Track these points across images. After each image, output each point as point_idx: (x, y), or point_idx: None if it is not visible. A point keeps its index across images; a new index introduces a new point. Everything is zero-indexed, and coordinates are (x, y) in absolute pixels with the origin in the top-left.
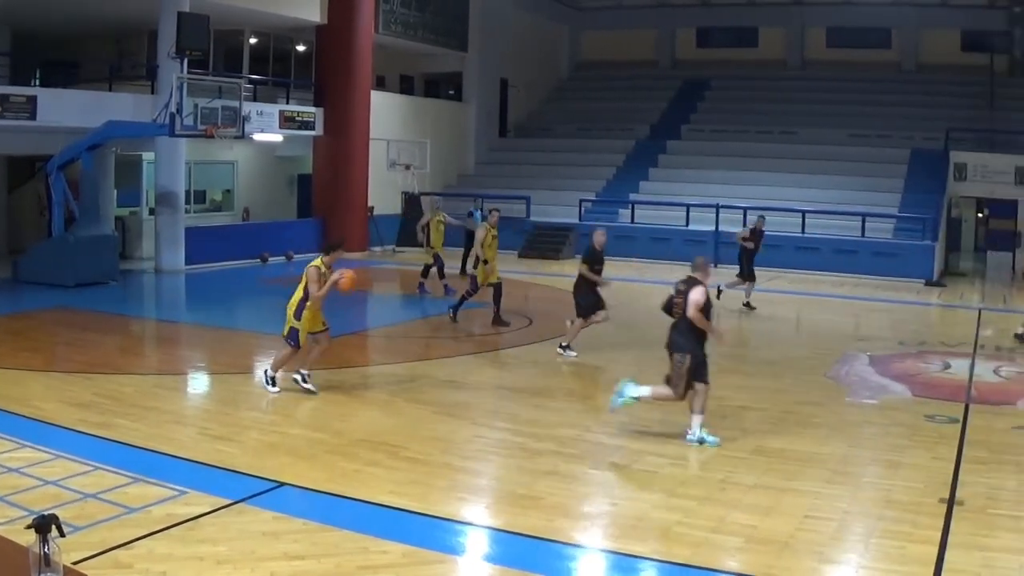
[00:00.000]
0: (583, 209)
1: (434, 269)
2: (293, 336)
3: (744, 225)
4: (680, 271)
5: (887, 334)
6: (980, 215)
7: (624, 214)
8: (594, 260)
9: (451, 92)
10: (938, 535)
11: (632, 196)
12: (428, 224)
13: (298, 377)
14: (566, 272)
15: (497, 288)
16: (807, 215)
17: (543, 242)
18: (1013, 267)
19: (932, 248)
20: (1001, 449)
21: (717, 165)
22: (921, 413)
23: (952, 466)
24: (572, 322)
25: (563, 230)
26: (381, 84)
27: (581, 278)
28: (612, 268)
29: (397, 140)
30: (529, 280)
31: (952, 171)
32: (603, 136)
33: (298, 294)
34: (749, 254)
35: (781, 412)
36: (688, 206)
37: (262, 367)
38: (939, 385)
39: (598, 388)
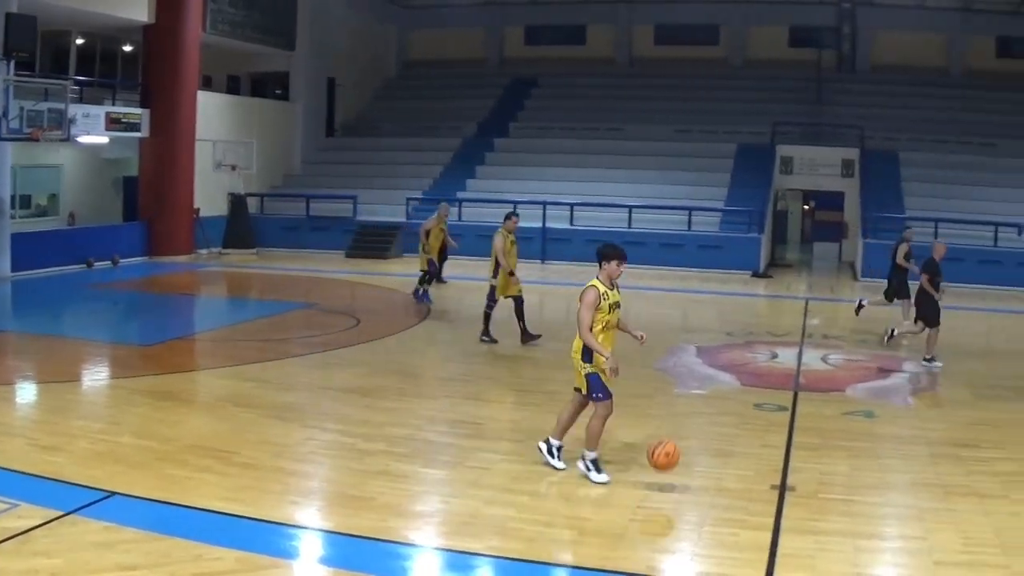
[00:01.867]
0: (410, 208)
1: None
2: (596, 385)
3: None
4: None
5: (714, 325)
6: (806, 207)
7: (451, 212)
8: (935, 272)
9: (278, 92)
10: (771, 521)
11: (460, 194)
12: (431, 230)
13: (543, 447)
14: (393, 271)
15: (519, 301)
16: (634, 210)
17: (370, 242)
18: (839, 257)
19: (758, 240)
20: (831, 435)
21: (544, 162)
22: (750, 402)
23: (782, 453)
24: (928, 334)
25: (390, 229)
26: (208, 84)
27: (923, 289)
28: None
29: (223, 141)
30: (357, 280)
31: (778, 164)
32: (431, 135)
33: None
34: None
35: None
36: (515, 203)
37: (94, 375)
38: (767, 374)
39: (428, 387)
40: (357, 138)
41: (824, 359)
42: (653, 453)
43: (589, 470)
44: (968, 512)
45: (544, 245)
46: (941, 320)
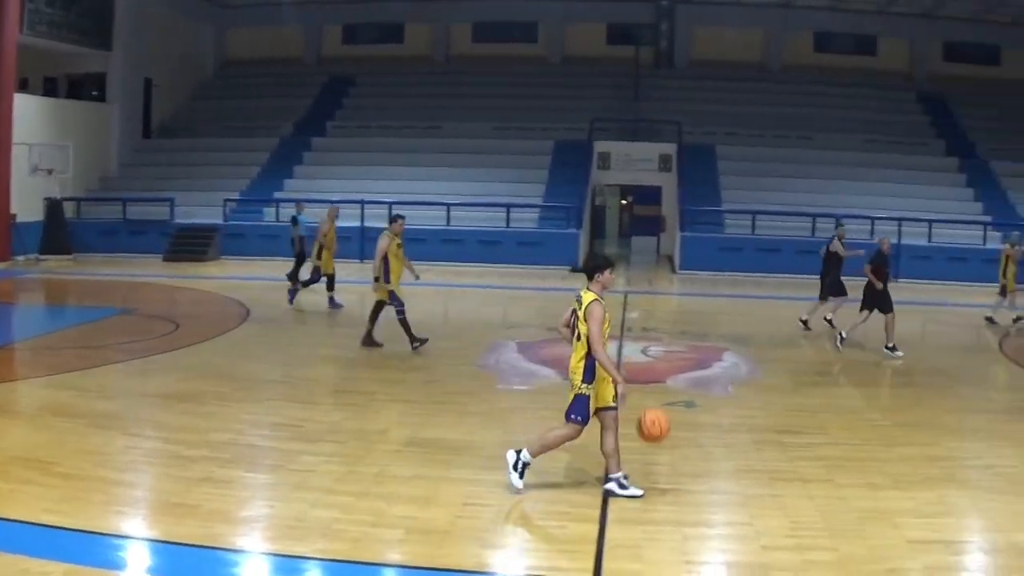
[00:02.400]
0: (228, 209)
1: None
2: (580, 407)
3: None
4: None
5: (534, 321)
6: (624, 202)
7: (269, 213)
8: (881, 264)
9: (95, 93)
10: (597, 513)
11: (277, 194)
12: (327, 232)
13: (613, 486)
14: (212, 274)
15: (380, 306)
16: (452, 207)
17: (188, 244)
18: (658, 251)
19: (577, 236)
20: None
21: (363, 161)
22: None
23: None
24: (885, 321)
25: (208, 231)
26: (24, 86)
27: (870, 281)
28: (258, 268)
29: (40, 144)
30: (175, 284)
31: (596, 160)
32: (248, 135)
33: (582, 346)
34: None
35: (434, 403)
36: (332, 203)
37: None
38: None
39: (249, 391)
40: (174, 139)
41: (644, 351)
42: (643, 428)
43: (516, 470)
44: (793, 497)
45: (363, 244)
46: (894, 308)
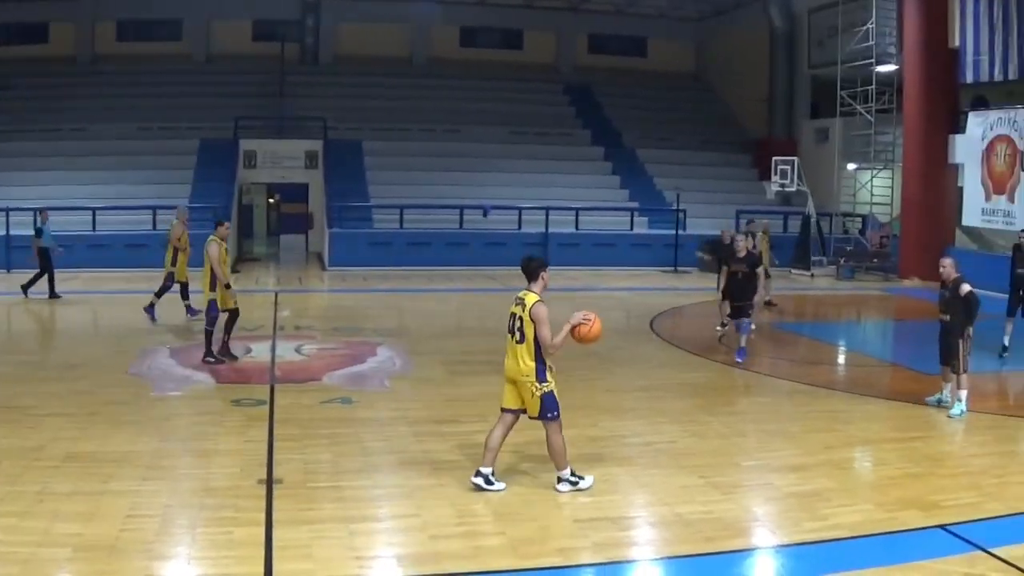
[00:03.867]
0: None
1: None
2: (550, 404)
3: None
4: None
5: (184, 325)
6: (272, 200)
7: None
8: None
9: None
10: (263, 515)
11: None
12: (182, 236)
13: (480, 480)
14: None
15: (234, 314)
16: (98, 212)
17: None
18: (307, 248)
19: None
20: (312, 424)
21: (5, 166)
22: (228, 399)
23: (266, 447)
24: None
25: None
26: None
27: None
28: None
29: None
30: None
31: (242, 159)
32: None
33: (527, 348)
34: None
35: (88, 414)
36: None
37: None
38: (243, 369)
39: None
40: None
41: (298, 350)
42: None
43: (573, 482)
44: (457, 486)
45: (7, 254)
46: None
